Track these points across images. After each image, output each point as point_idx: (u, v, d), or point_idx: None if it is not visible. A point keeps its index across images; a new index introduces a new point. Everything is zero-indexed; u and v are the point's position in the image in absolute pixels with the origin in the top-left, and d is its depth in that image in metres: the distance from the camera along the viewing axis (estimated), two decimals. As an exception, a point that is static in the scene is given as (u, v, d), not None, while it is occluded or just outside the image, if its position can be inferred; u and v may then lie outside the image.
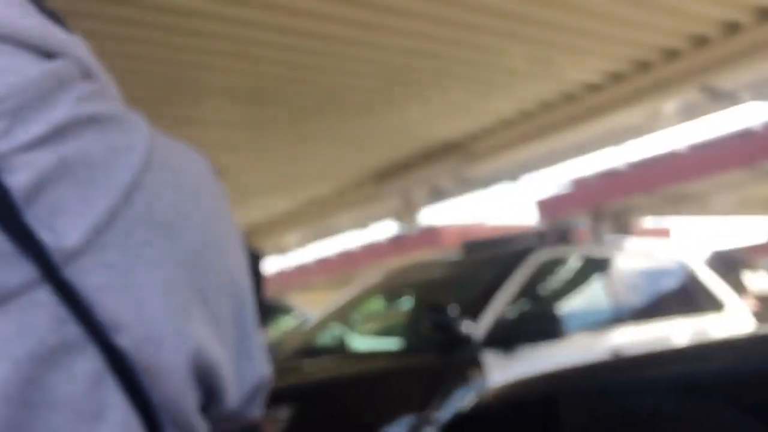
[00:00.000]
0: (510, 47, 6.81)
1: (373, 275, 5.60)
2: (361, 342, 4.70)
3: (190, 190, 0.65)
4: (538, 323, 4.02)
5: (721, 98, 7.91)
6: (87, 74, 0.64)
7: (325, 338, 4.82)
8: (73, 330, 0.54)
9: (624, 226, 13.27)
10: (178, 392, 0.60)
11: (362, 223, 15.44)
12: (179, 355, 0.59)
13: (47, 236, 0.54)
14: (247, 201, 12.34)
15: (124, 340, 0.56)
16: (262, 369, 0.72)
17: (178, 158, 0.67)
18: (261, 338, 0.72)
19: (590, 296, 4.88)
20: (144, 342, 0.57)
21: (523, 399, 1.14)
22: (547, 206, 14.26)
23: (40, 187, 0.56)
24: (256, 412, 0.74)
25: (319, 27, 6.06)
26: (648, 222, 16.14)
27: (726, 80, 7.57)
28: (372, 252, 17.03)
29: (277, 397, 3.17)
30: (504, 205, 34.24)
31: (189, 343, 0.60)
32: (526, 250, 4.55)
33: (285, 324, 8.84)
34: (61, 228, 0.55)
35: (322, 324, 4.97)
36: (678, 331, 4.82)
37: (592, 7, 6.10)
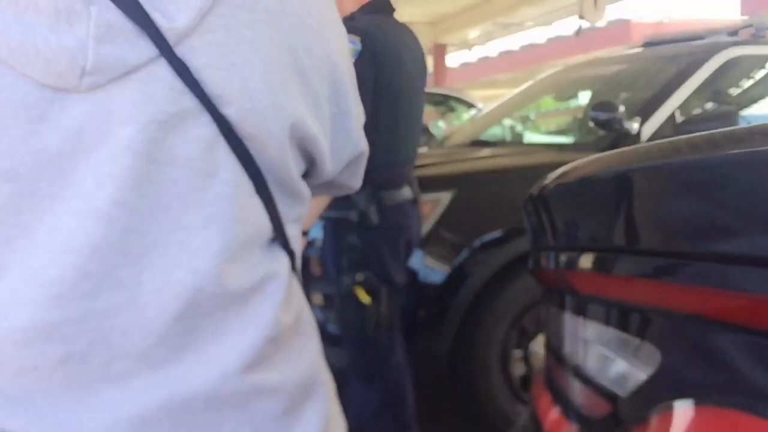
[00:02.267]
0: None
1: (549, 72, 5.54)
2: (530, 136, 4.75)
3: None
4: (713, 127, 3.88)
5: None
6: None
7: (495, 131, 4.92)
8: (187, 100, 0.63)
9: None
10: (280, 158, 0.69)
11: (546, 20, 14.85)
12: (279, 125, 0.68)
13: (159, 18, 0.61)
14: (431, -7, 12.19)
15: (231, 111, 0.64)
16: (358, 143, 0.80)
17: None
18: (360, 117, 0.80)
19: (779, 101, 4.57)
20: (248, 113, 0.65)
21: (597, 174, 1.20)
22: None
23: None
24: (355, 181, 0.85)
25: None
26: None
27: None
28: (557, 47, 16.46)
29: (440, 182, 3.37)
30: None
31: (287, 116, 0.68)
32: (712, 48, 4.28)
33: (463, 117, 9.03)
34: (172, 11, 0.62)
35: (493, 117, 5.05)
36: None
37: None
